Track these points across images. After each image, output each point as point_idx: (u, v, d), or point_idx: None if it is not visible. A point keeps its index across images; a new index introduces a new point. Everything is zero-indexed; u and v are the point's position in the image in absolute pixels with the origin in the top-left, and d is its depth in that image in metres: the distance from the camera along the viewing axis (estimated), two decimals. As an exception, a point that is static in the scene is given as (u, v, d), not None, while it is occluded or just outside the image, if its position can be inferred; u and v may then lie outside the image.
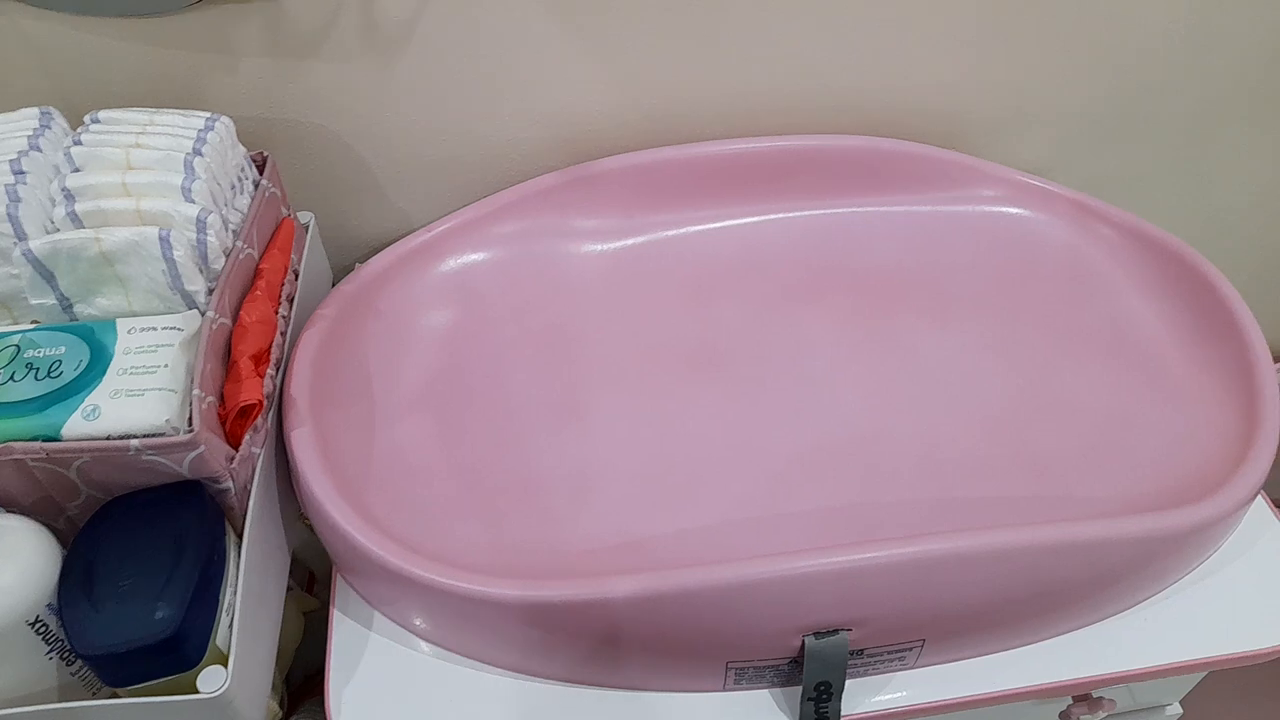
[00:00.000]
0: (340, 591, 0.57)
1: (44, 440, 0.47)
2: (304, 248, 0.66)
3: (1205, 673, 0.64)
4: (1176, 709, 0.70)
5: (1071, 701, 0.62)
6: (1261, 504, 0.61)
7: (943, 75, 0.73)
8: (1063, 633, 0.56)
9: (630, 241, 0.72)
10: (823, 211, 0.74)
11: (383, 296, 0.65)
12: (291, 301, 0.62)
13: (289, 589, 0.73)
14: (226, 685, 0.46)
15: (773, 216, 0.74)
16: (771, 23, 0.68)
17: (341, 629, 0.55)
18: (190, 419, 0.49)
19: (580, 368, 0.65)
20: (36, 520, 0.48)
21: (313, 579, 0.79)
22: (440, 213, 0.71)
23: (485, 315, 0.67)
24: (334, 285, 0.66)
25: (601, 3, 0.65)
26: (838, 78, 0.72)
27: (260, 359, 0.56)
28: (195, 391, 0.49)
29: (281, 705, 0.75)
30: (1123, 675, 0.55)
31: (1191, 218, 0.87)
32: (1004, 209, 0.74)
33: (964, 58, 0.72)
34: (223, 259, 0.55)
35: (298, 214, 0.67)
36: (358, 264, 0.69)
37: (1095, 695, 0.61)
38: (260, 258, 0.60)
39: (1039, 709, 0.63)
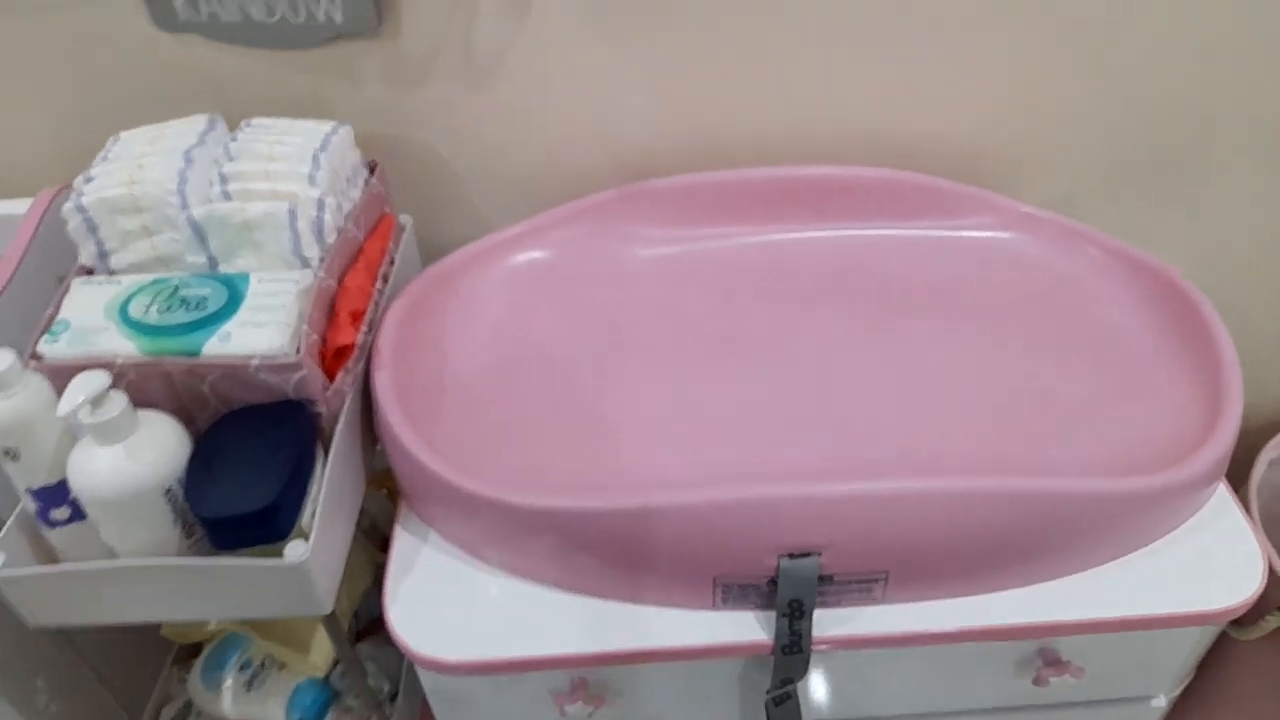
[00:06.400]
0: (404, 515, 0.69)
1: (187, 356, 0.61)
2: (401, 241, 0.79)
3: (1189, 665, 0.70)
4: (1161, 702, 0.75)
5: (1042, 664, 0.68)
6: (1224, 493, 0.67)
7: (963, 116, 0.83)
8: (1025, 584, 0.63)
9: (673, 250, 0.83)
10: (842, 232, 0.84)
11: (461, 280, 0.78)
12: (386, 280, 0.75)
13: (366, 546, 0.85)
14: (307, 555, 0.58)
15: (800, 234, 0.84)
16: (811, 65, 0.79)
17: (401, 541, 0.67)
18: (298, 349, 0.62)
19: (620, 345, 0.76)
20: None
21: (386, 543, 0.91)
22: (516, 220, 0.84)
23: (545, 300, 0.79)
24: (423, 276, 0.79)
25: (660, 47, 0.78)
26: (866, 115, 0.83)
27: (357, 317, 0.69)
28: (304, 328, 0.63)
29: (351, 631, 0.87)
30: (1078, 624, 0.61)
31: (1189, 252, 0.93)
32: (1000, 234, 0.82)
33: (984, 101, 0.82)
34: (334, 234, 0.69)
35: (399, 215, 0.81)
36: (444, 261, 0.82)
37: (1064, 660, 0.67)
38: (364, 241, 0.74)
39: (1015, 678, 0.69)
